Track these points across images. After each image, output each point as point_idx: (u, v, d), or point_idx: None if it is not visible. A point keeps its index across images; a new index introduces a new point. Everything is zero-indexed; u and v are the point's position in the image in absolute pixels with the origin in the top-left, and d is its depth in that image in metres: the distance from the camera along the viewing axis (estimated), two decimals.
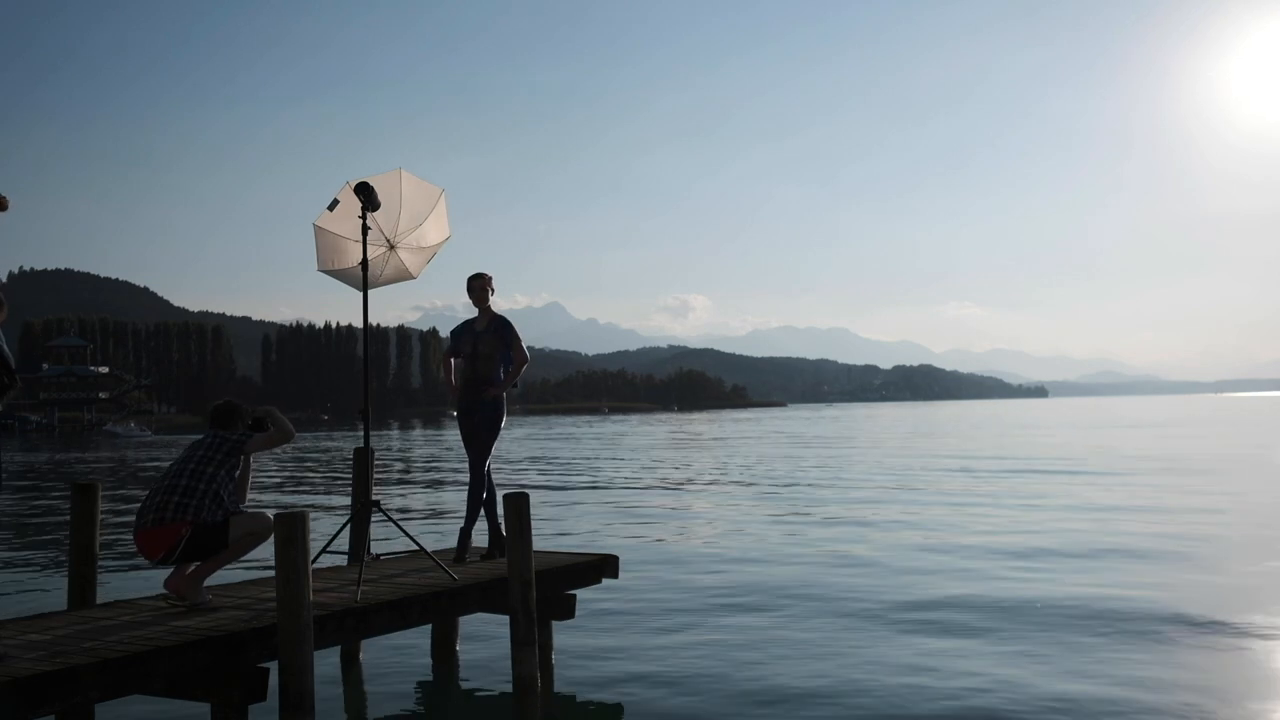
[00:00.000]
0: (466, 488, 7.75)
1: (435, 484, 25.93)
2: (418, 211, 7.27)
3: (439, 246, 7.49)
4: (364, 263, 6.82)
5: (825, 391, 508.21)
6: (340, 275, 7.30)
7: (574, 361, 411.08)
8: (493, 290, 7.65)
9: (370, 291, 7.07)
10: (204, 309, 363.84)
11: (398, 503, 20.63)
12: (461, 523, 7.64)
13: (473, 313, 7.74)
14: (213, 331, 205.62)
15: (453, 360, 7.69)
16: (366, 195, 6.71)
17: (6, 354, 4.69)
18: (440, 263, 7.71)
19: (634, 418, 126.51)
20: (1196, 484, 21.24)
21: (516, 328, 7.62)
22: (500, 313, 7.65)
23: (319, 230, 7.22)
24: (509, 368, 7.60)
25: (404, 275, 7.49)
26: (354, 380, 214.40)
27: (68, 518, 6.62)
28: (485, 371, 7.47)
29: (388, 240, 7.26)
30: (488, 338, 7.51)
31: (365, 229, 6.77)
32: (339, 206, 6.93)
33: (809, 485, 23.01)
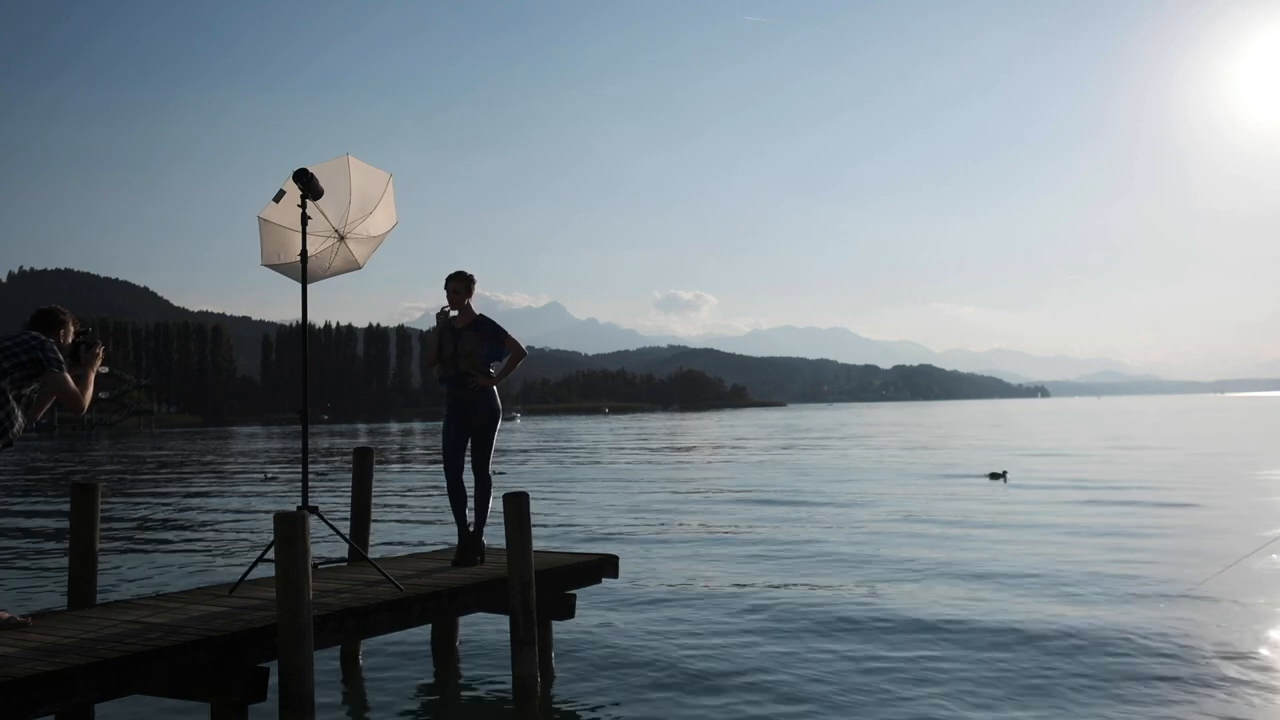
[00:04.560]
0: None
1: (434, 484, 25.91)
2: (368, 199, 6.93)
3: (386, 235, 7.17)
4: (303, 254, 6.51)
5: (825, 391, 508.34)
6: (286, 269, 6.91)
7: (574, 361, 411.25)
8: (470, 291, 7.34)
9: (321, 283, 6.86)
10: (204, 309, 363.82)
11: (397, 503, 20.63)
12: (470, 525, 7.52)
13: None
14: (213, 331, 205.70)
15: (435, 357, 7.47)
16: (305, 183, 6.39)
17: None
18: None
19: (646, 419, 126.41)
20: None
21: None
22: (485, 315, 7.46)
23: (263, 223, 6.86)
24: (497, 363, 7.41)
25: (351, 266, 7.15)
26: (354, 380, 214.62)
27: (67, 518, 6.61)
28: (469, 370, 7.29)
29: (337, 231, 6.91)
30: (468, 335, 7.30)
31: (305, 218, 6.46)
32: (284, 197, 6.55)
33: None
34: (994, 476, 23.20)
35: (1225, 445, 37.92)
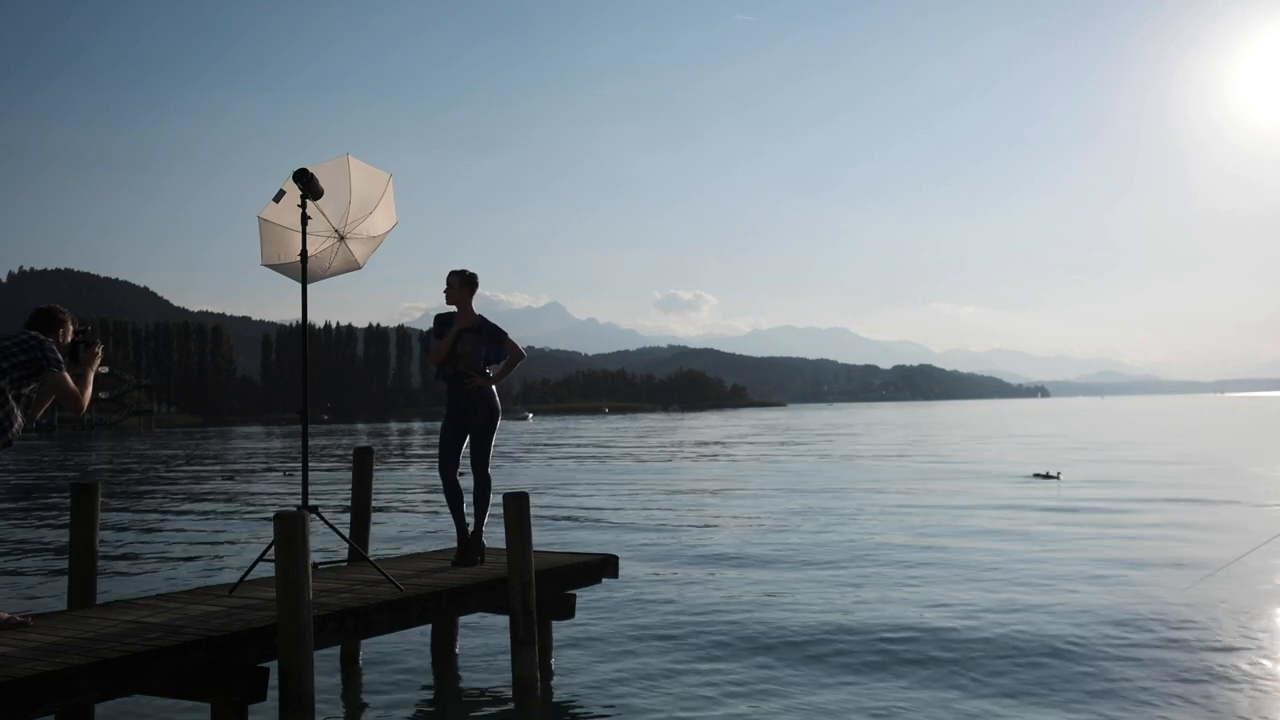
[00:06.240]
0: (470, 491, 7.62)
1: (434, 484, 25.89)
2: (368, 199, 6.92)
3: (386, 235, 7.14)
4: (303, 254, 6.50)
5: (825, 391, 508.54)
6: (286, 269, 6.90)
7: (574, 361, 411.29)
8: (470, 290, 7.30)
9: (321, 283, 6.86)
10: (204, 309, 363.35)
11: (397, 503, 20.62)
12: (470, 526, 7.49)
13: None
14: (213, 331, 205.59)
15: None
16: (305, 183, 6.38)
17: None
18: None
19: (646, 419, 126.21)
20: None
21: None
22: (487, 316, 7.45)
23: (263, 223, 6.84)
24: (497, 364, 7.42)
25: (351, 266, 7.13)
26: (354, 380, 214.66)
27: (67, 518, 6.60)
28: (466, 370, 7.28)
29: (337, 231, 6.90)
30: (467, 335, 7.29)
31: (305, 218, 6.44)
32: (284, 197, 6.53)
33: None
34: (1041, 477, 22.68)
35: (1253, 444, 37.94)
